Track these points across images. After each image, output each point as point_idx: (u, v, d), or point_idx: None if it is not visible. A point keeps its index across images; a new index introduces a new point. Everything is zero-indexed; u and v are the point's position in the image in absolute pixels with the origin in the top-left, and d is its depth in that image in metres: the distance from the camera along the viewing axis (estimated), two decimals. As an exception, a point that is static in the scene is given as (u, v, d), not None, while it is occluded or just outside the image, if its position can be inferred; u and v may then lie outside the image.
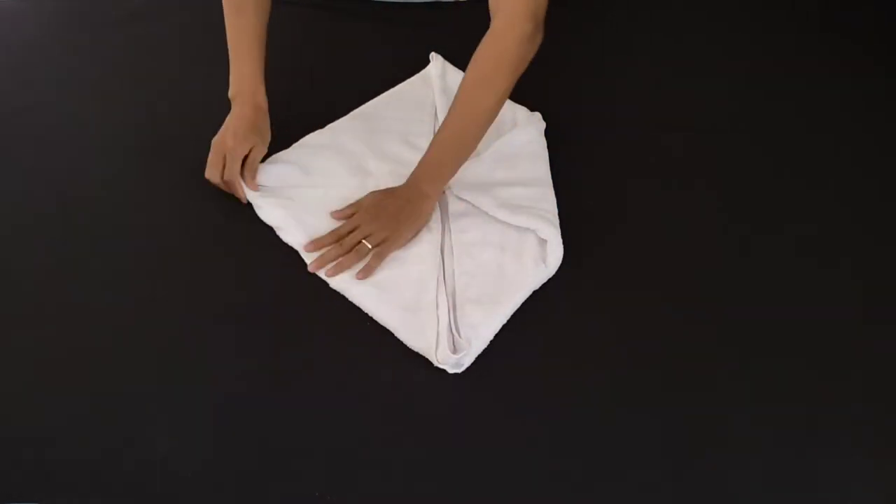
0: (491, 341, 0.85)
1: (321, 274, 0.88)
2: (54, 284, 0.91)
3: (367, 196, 0.93)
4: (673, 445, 0.78)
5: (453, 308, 0.86)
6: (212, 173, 0.94)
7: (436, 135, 0.93)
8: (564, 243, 0.90)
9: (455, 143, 0.92)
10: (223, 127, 0.96)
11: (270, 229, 0.95)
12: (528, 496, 0.76)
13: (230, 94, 0.97)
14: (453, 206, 0.95)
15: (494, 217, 0.92)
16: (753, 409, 0.81)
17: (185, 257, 0.94)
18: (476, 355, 0.84)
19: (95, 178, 1.03)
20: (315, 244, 0.89)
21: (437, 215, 0.94)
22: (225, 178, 0.93)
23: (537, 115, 1.03)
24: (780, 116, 1.09)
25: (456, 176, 0.95)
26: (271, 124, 0.98)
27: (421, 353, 0.84)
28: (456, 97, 0.91)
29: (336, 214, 0.93)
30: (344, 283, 0.88)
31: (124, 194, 1.00)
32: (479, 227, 0.92)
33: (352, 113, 1.06)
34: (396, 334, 0.85)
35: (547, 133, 1.02)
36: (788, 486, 0.76)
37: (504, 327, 0.86)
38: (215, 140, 0.95)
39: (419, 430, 0.80)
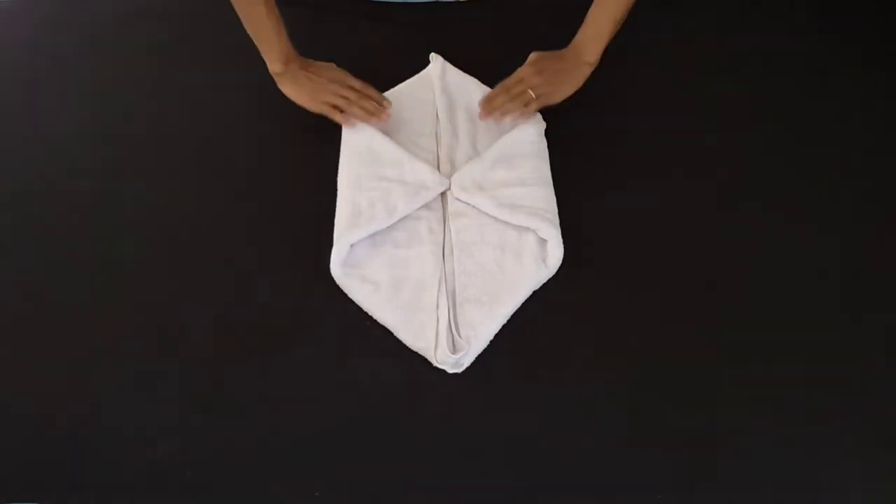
0: (491, 341, 0.85)
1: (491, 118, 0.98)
2: (54, 283, 0.91)
3: (532, 55, 1.00)
4: (674, 445, 0.78)
5: (453, 307, 0.86)
6: (349, 110, 0.98)
7: (596, 15, 0.98)
8: (564, 243, 0.90)
9: (613, 10, 0.97)
10: (303, 86, 0.99)
11: (268, 228, 0.96)
12: (527, 496, 0.76)
13: (274, 69, 1.00)
14: (453, 206, 0.95)
15: (494, 217, 0.93)
16: (755, 409, 0.81)
17: (183, 256, 0.94)
18: (476, 355, 0.84)
19: (95, 178, 1.03)
20: (487, 99, 0.98)
21: (438, 215, 0.94)
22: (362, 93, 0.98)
23: (538, 115, 1.03)
24: (781, 116, 1.09)
25: (456, 176, 0.96)
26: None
27: (420, 353, 0.84)
28: None
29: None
30: (345, 278, 0.88)
31: (124, 194, 1.00)
32: (478, 227, 0.92)
33: None
34: (396, 334, 0.85)
35: (547, 133, 1.02)
36: (790, 486, 0.76)
37: (504, 327, 0.86)
38: (314, 98, 0.99)
39: (419, 430, 0.80)
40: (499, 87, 0.99)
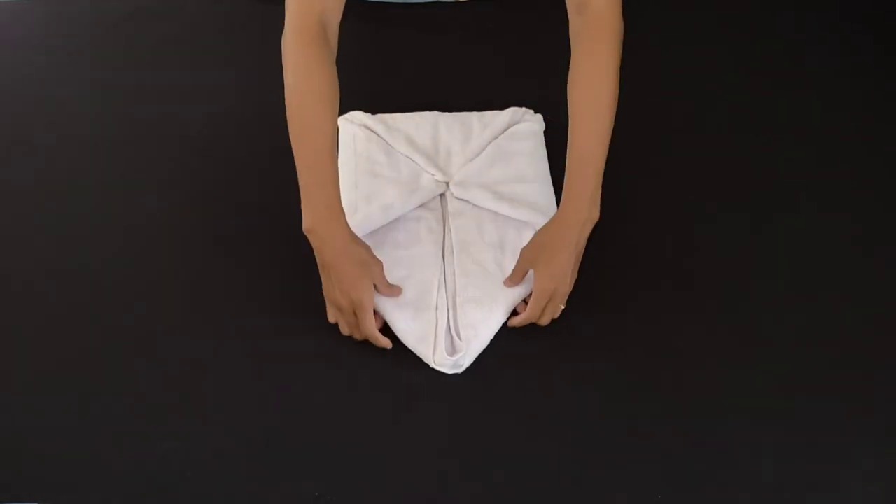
0: (490, 341, 0.85)
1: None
2: (54, 285, 0.91)
3: (527, 260, 0.85)
4: (675, 445, 0.78)
5: (452, 308, 0.86)
6: (345, 330, 0.84)
7: (573, 162, 0.85)
8: (564, 243, 0.90)
9: (599, 156, 0.84)
10: (326, 274, 0.82)
11: (268, 228, 0.96)
12: (527, 496, 0.76)
13: (305, 226, 0.81)
14: (453, 205, 0.95)
15: (495, 211, 0.92)
16: (756, 409, 0.81)
17: (184, 257, 0.94)
18: (475, 355, 0.84)
19: (96, 178, 1.03)
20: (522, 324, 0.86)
21: (437, 215, 0.94)
22: (363, 336, 0.83)
23: (538, 115, 1.03)
24: (782, 116, 1.09)
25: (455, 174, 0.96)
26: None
27: (419, 354, 0.83)
28: (575, 117, 0.85)
29: (508, 283, 0.86)
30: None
31: (124, 194, 1.01)
32: (478, 227, 0.92)
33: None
34: (396, 334, 0.85)
35: (547, 133, 1.02)
36: (791, 486, 0.76)
37: (504, 327, 0.86)
38: (329, 296, 0.83)
39: (419, 430, 0.80)
40: (529, 313, 0.84)
